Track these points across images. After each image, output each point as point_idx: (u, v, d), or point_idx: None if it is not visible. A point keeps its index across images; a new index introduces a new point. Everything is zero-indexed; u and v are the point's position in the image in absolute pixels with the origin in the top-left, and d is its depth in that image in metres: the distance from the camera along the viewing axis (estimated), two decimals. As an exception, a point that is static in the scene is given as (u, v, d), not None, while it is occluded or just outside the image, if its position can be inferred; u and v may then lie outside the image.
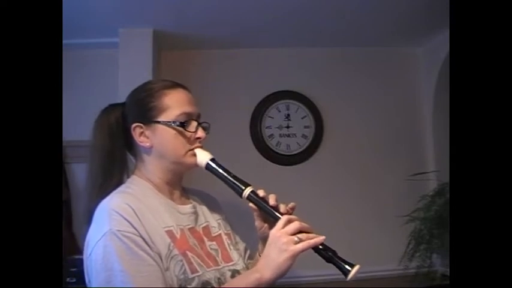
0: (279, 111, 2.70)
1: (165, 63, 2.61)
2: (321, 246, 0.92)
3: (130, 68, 2.24)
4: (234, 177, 1.03)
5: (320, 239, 0.92)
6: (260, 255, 1.08)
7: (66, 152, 2.23)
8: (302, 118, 2.70)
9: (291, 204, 1.02)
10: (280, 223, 0.94)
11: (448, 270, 2.13)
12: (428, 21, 2.40)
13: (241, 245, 1.15)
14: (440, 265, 2.40)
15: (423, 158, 2.72)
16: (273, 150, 2.66)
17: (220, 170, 1.03)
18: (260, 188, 1.03)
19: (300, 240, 0.91)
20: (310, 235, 0.92)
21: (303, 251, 0.90)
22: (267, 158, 2.65)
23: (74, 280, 1.92)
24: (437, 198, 2.36)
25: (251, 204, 1.02)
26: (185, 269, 0.92)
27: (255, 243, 1.13)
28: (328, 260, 0.93)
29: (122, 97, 1.11)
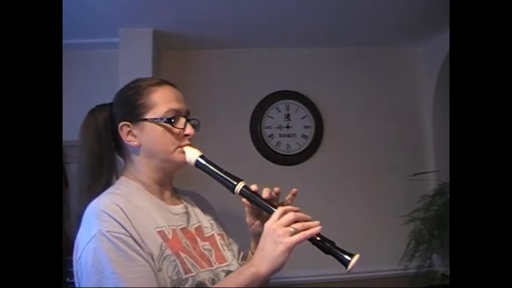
0: (279, 111, 2.70)
1: (165, 63, 2.61)
2: (318, 238, 0.90)
3: (130, 68, 2.23)
4: (226, 173, 1.01)
5: (316, 229, 0.89)
6: (252, 253, 1.07)
7: (66, 152, 2.22)
8: (302, 118, 2.70)
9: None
10: (275, 215, 0.92)
11: (448, 270, 2.13)
12: (428, 21, 2.40)
13: (235, 246, 1.13)
14: (440, 265, 2.39)
15: (423, 158, 2.72)
16: (273, 150, 2.66)
17: (211, 167, 1.01)
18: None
19: (296, 231, 0.88)
20: (306, 224, 0.90)
21: (299, 242, 0.88)
22: (267, 158, 2.65)
23: (74, 280, 1.91)
24: (437, 198, 2.36)
25: (244, 200, 1.00)
26: (178, 270, 0.90)
27: (248, 245, 1.11)
28: (327, 251, 0.90)
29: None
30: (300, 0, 2.14)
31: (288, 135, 2.69)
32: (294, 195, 1.03)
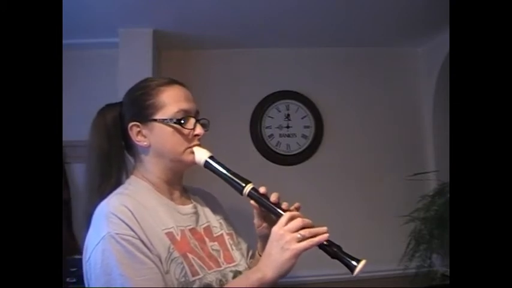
0: (279, 111, 2.70)
1: (165, 63, 2.61)
2: (325, 242, 0.90)
3: (130, 68, 2.23)
4: (234, 174, 1.01)
5: (324, 236, 0.90)
6: (259, 254, 1.08)
7: (66, 152, 2.23)
8: (302, 118, 2.70)
9: (296, 204, 1.00)
10: (282, 220, 0.92)
11: (448, 270, 2.13)
12: (428, 21, 2.40)
13: (244, 245, 1.13)
14: (440, 265, 2.39)
15: (423, 158, 2.72)
16: (273, 150, 2.66)
17: (220, 168, 1.01)
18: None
19: (303, 238, 0.88)
20: (313, 230, 0.90)
21: (306, 249, 0.88)
22: (267, 158, 2.65)
23: (74, 280, 1.91)
24: (437, 198, 2.36)
25: (252, 202, 1.00)
26: (186, 272, 0.90)
27: (254, 244, 1.12)
28: (333, 255, 0.90)
29: (121, 97, 1.11)
30: (300, 0, 2.14)
31: (288, 135, 2.69)
32: (297, 209, 1.00)
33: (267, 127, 2.67)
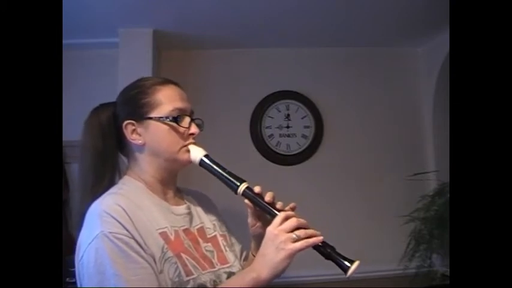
0: (279, 111, 2.70)
1: (165, 63, 2.61)
2: (319, 243, 0.91)
3: (130, 68, 2.24)
4: (229, 173, 1.01)
5: (319, 238, 0.90)
6: (253, 254, 1.08)
7: (66, 152, 2.22)
8: (302, 118, 2.70)
9: (291, 205, 0.99)
10: (277, 220, 0.91)
11: (448, 270, 2.13)
12: (428, 21, 2.40)
13: (237, 246, 1.13)
14: (440, 265, 2.40)
15: (423, 158, 2.72)
16: (273, 150, 2.66)
17: (215, 166, 1.01)
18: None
19: (298, 238, 0.88)
20: (308, 231, 0.90)
21: (301, 250, 0.88)
22: (267, 158, 2.65)
23: (74, 280, 1.91)
24: (437, 198, 2.36)
25: (246, 201, 1.00)
26: (180, 272, 0.90)
27: (248, 245, 1.11)
28: (327, 256, 0.91)
29: (122, 97, 1.10)
30: (300, 0, 2.14)
31: (288, 135, 2.69)
32: (293, 209, 1.00)
33: (267, 127, 2.68)
